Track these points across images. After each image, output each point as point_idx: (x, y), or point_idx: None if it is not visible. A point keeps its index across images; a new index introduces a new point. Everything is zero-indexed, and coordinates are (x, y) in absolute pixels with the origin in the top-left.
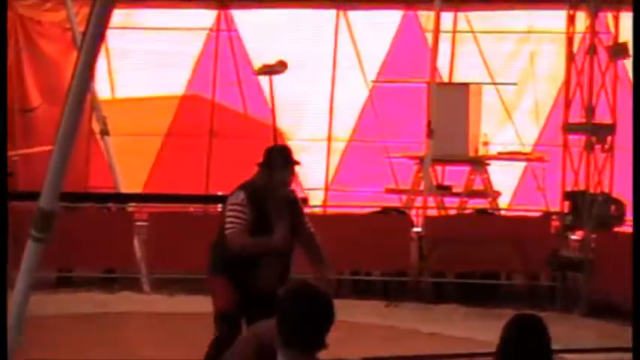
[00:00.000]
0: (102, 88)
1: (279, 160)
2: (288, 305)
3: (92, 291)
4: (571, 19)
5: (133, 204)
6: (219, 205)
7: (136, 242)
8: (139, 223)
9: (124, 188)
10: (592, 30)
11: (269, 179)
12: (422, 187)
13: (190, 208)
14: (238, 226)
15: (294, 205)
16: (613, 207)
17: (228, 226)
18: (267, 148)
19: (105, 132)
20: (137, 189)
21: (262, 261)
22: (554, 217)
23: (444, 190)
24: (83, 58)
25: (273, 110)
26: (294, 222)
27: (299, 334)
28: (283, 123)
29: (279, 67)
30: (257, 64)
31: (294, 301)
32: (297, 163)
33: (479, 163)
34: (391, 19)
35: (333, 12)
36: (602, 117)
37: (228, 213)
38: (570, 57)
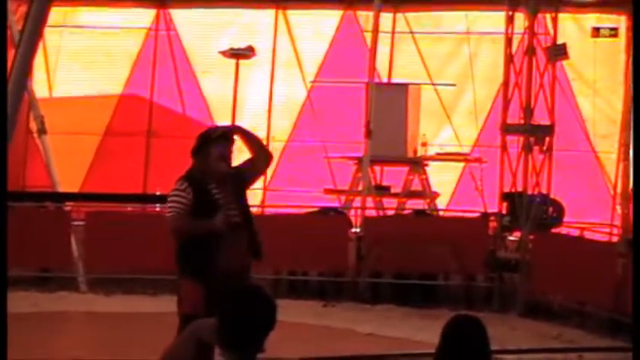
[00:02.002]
0: (39, 87)
1: (209, 137)
2: (230, 308)
3: (28, 290)
4: (510, 20)
5: (71, 203)
6: (157, 205)
7: (73, 241)
8: (76, 223)
9: (62, 187)
10: (531, 31)
11: (205, 160)
12: (360, 188)
13: (128, 208)
14: (177, 209)
15: (239, 179)
16: (551, 208)
17: (168, 211)
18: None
19: (42, 131)
20: (74, 188)
21: (219, 244)
22: (491, 218)
23: (382, 190)
24: (20, 57)
25: (235, 91)
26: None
27: (238, 337)
28: (220, 123)
29: (248, 51)
30: (196, 63)
31: (236, 305)
32: (229, 134)
33: (417, 164)
34: (330, 19)
35: (272, 11)
36: (541, 118)
37: (170, 199)
38: (509, 58)
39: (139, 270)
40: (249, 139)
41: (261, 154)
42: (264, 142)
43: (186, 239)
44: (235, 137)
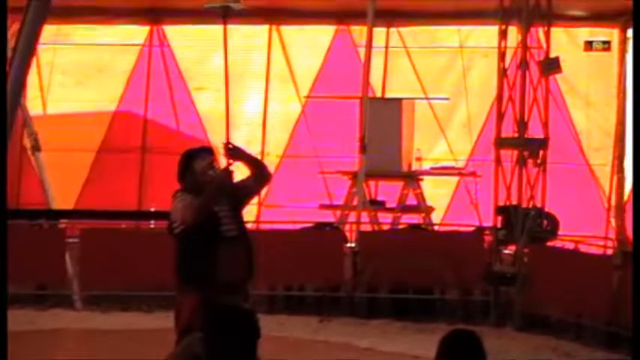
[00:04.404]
0: (33, 104)
1: (189, 156)
2: (212, 329)
3: (23, 308)
4: (503, 34)
5: (65, 220)
6: (152, 222)
7: (67, 259)
8: (70, 240)
9: (56, 204)
10: (524, 45)
11: (193, 178)
12: (355, 203)
13: (123, 225)
14: (186, 202)
15: (237, 194)
16: (545, 221)
17: (180, 207)
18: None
19: (36, 148)
20: (69, 205)
21: (218, 255)
22: (487, 231)
23: (377, 205)
24: (14, 74)
25: (225, 53)
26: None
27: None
28: (214, 139)
29: (233, 2)
30: (190, 79)
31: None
32: (209, 148)
33: (412, 179)
34: (324, 34)
35: (265, 27)
36: (535, 131)
37: (175, 204)
38: (502, 72)
39: (135, 287)
40: (248, 159)
41: (261, 171)
42: (259, 157)
43: (187, 251)
44: (233, 160)
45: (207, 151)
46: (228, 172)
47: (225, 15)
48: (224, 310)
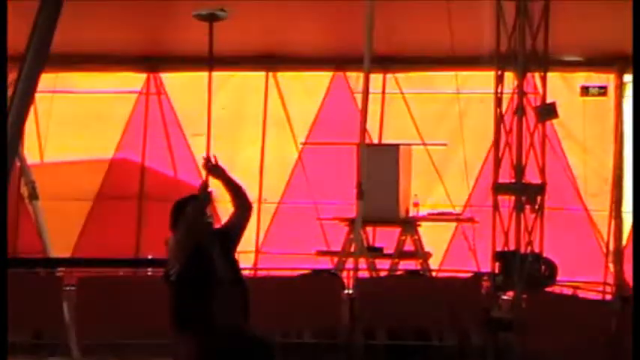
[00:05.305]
0: (31, 152)
1: (180, 205)
2: None
3: (20, 356)
4: (499, 80)
5: (62, 268)
6: (150, 269)
7: (65, 307)
8: (68, 288)
9: (53, 252)
10: (520, 90)
11: (185, 224)
12: (353, 249)
13: (120, 272)
14: (174, 240)
15: (227, 237)
16: (543, 267)
17: (172, 252)
18: None
19: (34, 196)
20: (66, 253)
21: (213, 299)
22: (485, 277)
23: (375, 251)
24: (11, 123)
25: (210, 53)
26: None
27: None
28: (211, 185)
29: (221, 12)
30: (186, 126)
31: None
32: (198, 195)
33: (410, 225)
34: (320, 80)
35: (262, 74)
36: (532, 177)
37: (169, 250)
38: (499, 117)
39: (132, 335)
40: (227, 181)
41: (242, 199)
42: (256, 204)
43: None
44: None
45: (196, 197)
46: (206, 189)
47: (211, 22)
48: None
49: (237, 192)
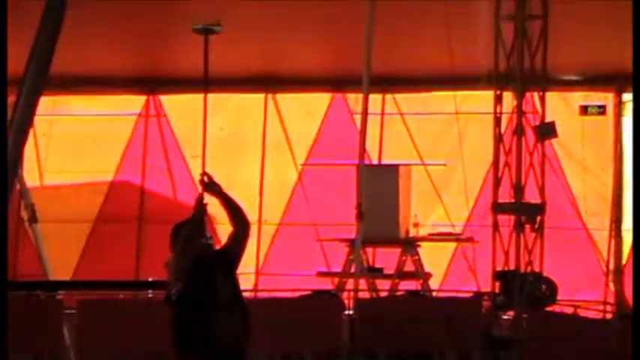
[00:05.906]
0: (30, 175)
1: (177, 227)
2: None
3: None
4: (498, 100)
5: (62, 291)
6: (150, 291)
7: (65, 330)
8: (68, 311)
9: (53, 276)
10: (519, 110)
11: (184, 244)
12: (353, 270)
13: (120, 295)
14: (172, 258)
15: (226, 258)
16: (544, 286)
17: (171, 269)
18: None
19: (33, 219)
20: (66, 276)
21: (214, 321)
22: (485, 297)
23: (375, 272)
24: (11, 146)
25: (205, 67)
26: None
27: None
28: (210, 207)
29: (217, 26)
30: (186, 148)
31: None
32: (195, 212)
33: (410, 245)
34: (320, 101)
35: (261, 95)
36: (531, 196)
37: (169, 268)
38: (498, 137)
39: (133, 357)
40: (223, 197)
41: (238, 221)
42: (256, 225)
43: (184, 318)
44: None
45: (192, 220)
46: (201, 203)
47: (206, 35)
48: None
49: (234, 210)
